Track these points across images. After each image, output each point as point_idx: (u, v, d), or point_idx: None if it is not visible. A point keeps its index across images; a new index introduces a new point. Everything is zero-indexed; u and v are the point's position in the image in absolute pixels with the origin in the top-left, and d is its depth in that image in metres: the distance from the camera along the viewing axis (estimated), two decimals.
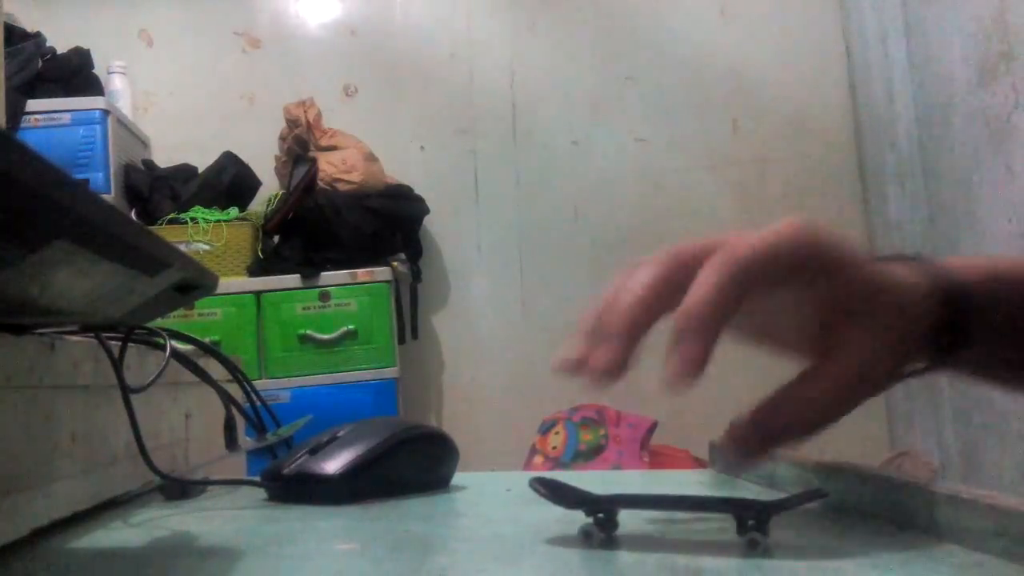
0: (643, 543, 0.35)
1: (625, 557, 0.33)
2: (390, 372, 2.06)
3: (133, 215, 2.14)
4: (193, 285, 0.38)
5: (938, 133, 2.10)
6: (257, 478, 0.52)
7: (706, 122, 2.49)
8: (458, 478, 0.54)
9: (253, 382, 0.68)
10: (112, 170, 2.09)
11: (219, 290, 1.78)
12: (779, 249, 0.35)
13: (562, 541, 0.35)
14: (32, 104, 2.05)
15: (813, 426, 0.35)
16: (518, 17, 2.53)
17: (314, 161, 2.18)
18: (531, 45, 2.52)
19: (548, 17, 2.53)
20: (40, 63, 2.16)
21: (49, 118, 2.05)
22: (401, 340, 2.17)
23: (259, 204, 2.26)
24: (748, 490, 0.48)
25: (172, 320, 1.53)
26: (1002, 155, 1.84)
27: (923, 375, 0.41)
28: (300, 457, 0.50)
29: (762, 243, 0.35)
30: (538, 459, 1.94)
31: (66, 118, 2.06)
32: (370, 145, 2.27)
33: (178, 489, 0.51)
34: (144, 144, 2.40)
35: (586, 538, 0.34)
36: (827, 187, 2.47)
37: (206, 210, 2.10)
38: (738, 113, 2.49)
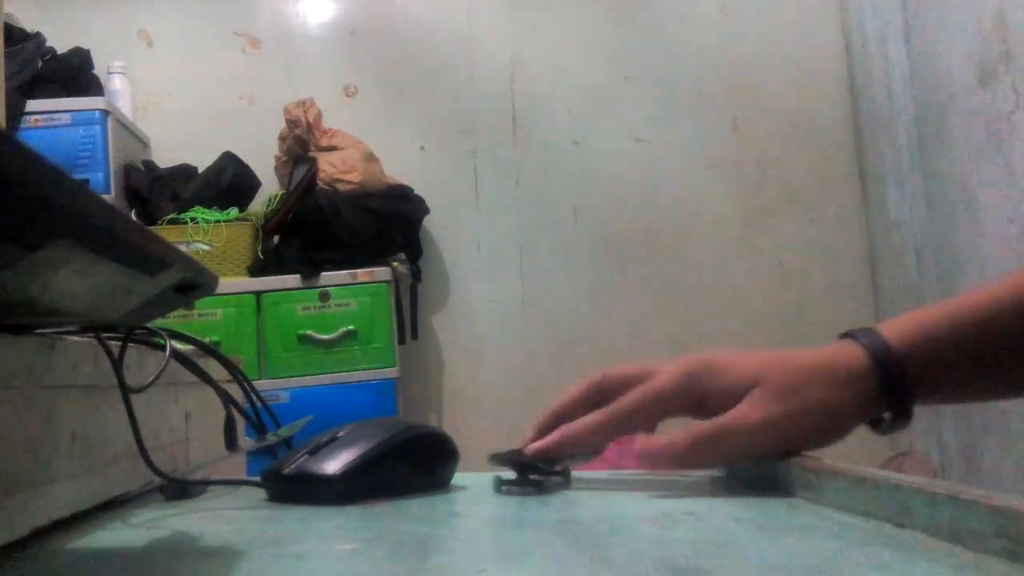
0: (641, 542, 0.35)
1: (623, 557, 0.33)
2: (390, 372, 2.06)
3: (133, 215, 2.14)
4: (193, 285, 0.38)
5: (938, 133, 2.10)
6: (257, 478, 0.52)
7: (706, 122, 2.49)
8: (458, 478, 0.54)
9: (253, 382, 0.68)
10: (112, 170, 2.09)
11: (219, 290, 1.78)
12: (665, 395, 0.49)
13: (562, 542, 0.35)
14: (32, 104, 2.05)
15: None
16: (518, 17, 2.53)
17: (314, 161, 2.18)
18: (531, 45, 2.52)
19: (548, 17, 2.53)
20: (40, 63, 2.15)
21: (49, 118, 2.05)
22: (401, 340, 2.17)
23: (259, 204, 2.26)
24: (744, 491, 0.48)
25: (172, 320, 1.53)
26: (1002, 155, 1.84)
27: (892, 427, 0.48)
28: (300, 457, 0.50)
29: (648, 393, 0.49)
30: None
31: (66, 118, 2.06)
32: (370, 145, 2.27)
33: (178, 489, 0.51)
34: (144, 144, 2.40)
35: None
36: (827, 187, 2.47)
37: (206, 210, 2.10)
38: (738, 113, 2.49)
